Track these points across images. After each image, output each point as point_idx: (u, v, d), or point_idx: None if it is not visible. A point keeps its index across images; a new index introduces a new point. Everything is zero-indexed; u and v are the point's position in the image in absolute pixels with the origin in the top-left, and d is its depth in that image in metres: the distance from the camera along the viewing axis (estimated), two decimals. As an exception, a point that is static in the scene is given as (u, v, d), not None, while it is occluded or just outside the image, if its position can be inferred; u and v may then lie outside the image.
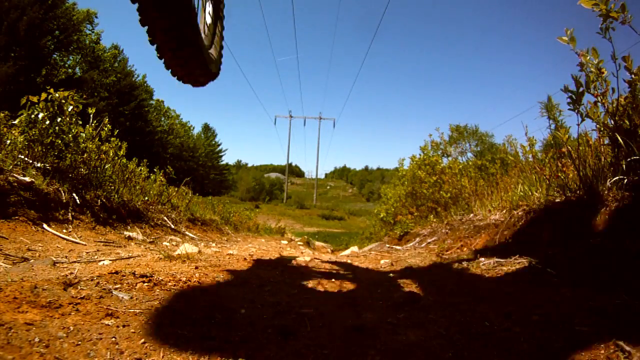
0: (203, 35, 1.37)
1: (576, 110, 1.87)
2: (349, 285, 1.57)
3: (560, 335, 0.87)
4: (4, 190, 2.06)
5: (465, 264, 1.80)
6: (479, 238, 2.62)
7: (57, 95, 2.67)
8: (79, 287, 0.96)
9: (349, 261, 2.38)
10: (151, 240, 2.79)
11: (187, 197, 5.27)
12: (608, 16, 1.59)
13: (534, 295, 1.15)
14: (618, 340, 0.77)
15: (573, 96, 1.85)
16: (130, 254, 1.79)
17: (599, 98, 1.78)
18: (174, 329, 0.90)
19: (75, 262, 1.50)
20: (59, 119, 2.68)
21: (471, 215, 3.44)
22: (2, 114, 2.82)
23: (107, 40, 32.00)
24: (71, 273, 1.16)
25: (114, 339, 0.77)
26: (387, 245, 4.77)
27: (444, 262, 1.96)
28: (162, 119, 29.81)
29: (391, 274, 1.81)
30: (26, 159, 2.56)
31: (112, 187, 3.18)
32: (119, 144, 3.58)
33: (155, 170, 4.71)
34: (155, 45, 1.14)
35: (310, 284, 1.53)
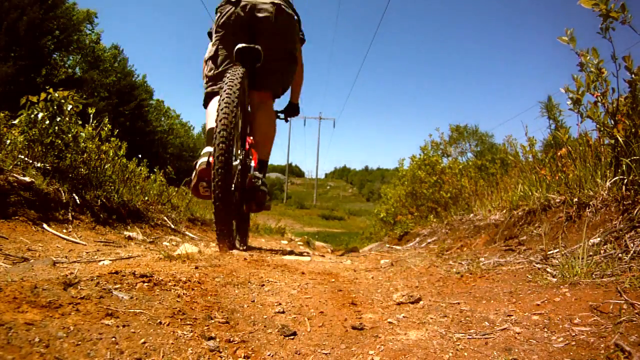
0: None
1: (576, 111, 1.87)
2: (349, 286, 1.57)
3: (561, 335, 0.87)
4: (4, 190, 2.06)
5: (465, 264, 1.80)
6: (479, 238, 2.62)
7: (56, 95, 2.67)
8: (79, 287, 0.96)
9: (349, 261, 2.38)
10: (151, 240, 2.79)
11: (187, 197, 5.27)
12: (608, 16, 1.59)
13: (534, 295, 1.15)
14: (618, 340, 0.77)
15: (573, 96, 1.85)
16: (130, 254, 1.79)
17: (599, 98, 1.78)
18: (174, 328, 0.90)
19: (75, 262, 1.50)
20: (58, 119, 2.68)
21: (471, 215, 3.44)
22: (2, 114, 2.82)
23: (107, 40, 32.02)
24: (71, 273, 1.16)
25: (114, 339, 0.77)
26: (387, 245, 4.77)
27: (444, 262, 1.96)
28: (162, 119, 29.76)
29: (391, 274, 1.81)
30: (26, 159, 2.56)
31: (112, 187, 3.17)
32: (119, 144, 3.58)
33: (155, 170, 4.71)
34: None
35: (311, 283, 1.53)
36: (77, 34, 19.56)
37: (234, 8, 2.04)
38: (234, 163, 1.80)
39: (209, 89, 2.17)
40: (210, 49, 2.17)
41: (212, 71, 2.12)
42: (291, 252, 2.93)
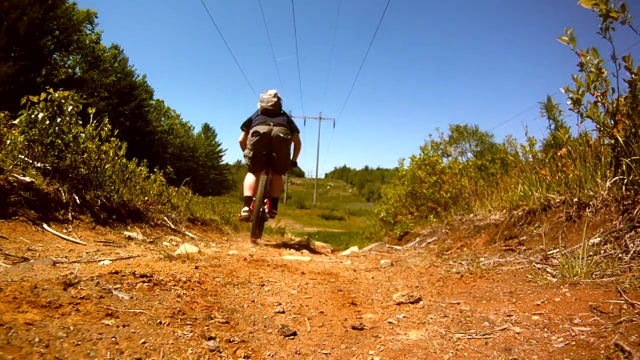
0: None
1: (576, 111, 1.87)
2: (349, 286, 1.57)
3: (561, 335, 0.87)
4: (4, 190, 2.06)
5: (465, 264, 1.80)
6: (479, 238, 2.62)
7: (56, 95, 2.67)
8: (79, 287, 0.96)
9: (349, 261, 2.38)
10: (151, 240, 2.79)
11: (187, 197, 5.28)
12: (608, 16, 1.59)
13: (534, 295, 1.15)
14: (618, 340, 0.77)
15: (573, 96, 1.85)
16: (130, 254, 1.79)
17: (599, 98, 1.78)
18: (174, 328, 0.90)
19: (75, 262, 1.50)
20: (58, 119, 2.68)
21: (471, 215, 3.44)
22: (2, 114, 2.81)
23: (107, 40, 31.89)
24: (71, 273, 1.16)
25: (114, 338, 0.77)
26: (387, 245, 4.76)
27: (444, 262, 1.96)
28: (162, 119, 29.79)
29: (391, 274, 1.81)
30: (26, 159, 2.56)
31: (112, 187, 3.17)
32: (119, 144, 3.58)
33: (155, 170, 4.71)
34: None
35: (311, 283, 1.53)
36: (77, 34, 19.55)
37: (261, 139, 3.61)
38: (261, 209, 3.68)
39: (248, 168, 3.88)
40: (247, 151, 3.75)
41: (250, 163, 3.77)
42: (291, 252, 2.93)
